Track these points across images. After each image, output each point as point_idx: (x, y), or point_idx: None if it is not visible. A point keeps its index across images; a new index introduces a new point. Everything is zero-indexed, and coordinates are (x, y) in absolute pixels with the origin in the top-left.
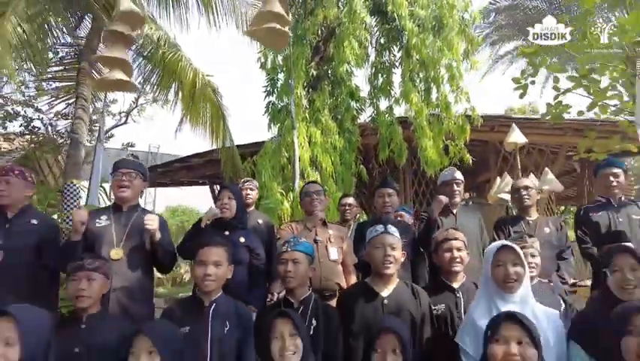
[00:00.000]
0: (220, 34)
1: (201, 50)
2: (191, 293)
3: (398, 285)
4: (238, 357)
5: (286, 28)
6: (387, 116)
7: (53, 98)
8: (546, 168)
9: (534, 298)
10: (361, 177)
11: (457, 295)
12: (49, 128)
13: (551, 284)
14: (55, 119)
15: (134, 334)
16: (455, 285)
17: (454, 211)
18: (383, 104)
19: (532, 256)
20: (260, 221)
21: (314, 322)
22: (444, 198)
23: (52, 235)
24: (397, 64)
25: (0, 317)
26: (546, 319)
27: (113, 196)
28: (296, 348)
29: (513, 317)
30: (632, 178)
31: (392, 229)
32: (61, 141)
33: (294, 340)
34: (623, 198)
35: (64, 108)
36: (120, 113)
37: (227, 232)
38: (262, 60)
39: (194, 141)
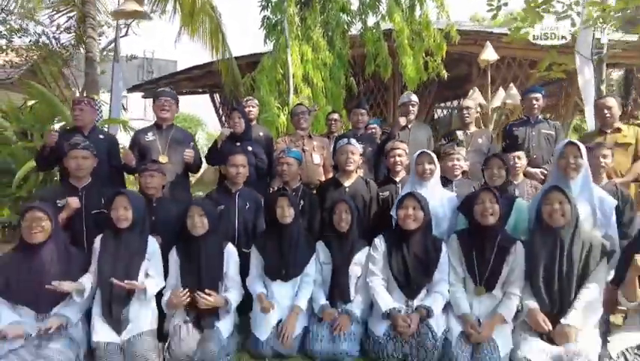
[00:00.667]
0: None
1: None
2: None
3: (356, 179)
4: (254, 224)
5: None
6: (374, 31)
7: (54, 12)
8: (511, 84)
9: (454, 188)
10: (351, 90)
11: (398, 186)
12: (54, 41)
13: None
14: (57, 32)
15: (189, 205)
16: (397, 179)
17: (409, 126)
18: (371, 20)
19: (457, 160)
20: (261, 133)
21: (302, 202)
22: (402, 121)
23: (114, 145)
24: None
25: (118, 195)
26: (447, 200)
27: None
28: (290, 214)
29: (411, 194)
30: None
31: (352, 141)
32: (66, 54)
33: (289, 209)
34: (539, 117)
35: (66, 22)
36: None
37: (238, 143)
38: None
39: (193, 51)
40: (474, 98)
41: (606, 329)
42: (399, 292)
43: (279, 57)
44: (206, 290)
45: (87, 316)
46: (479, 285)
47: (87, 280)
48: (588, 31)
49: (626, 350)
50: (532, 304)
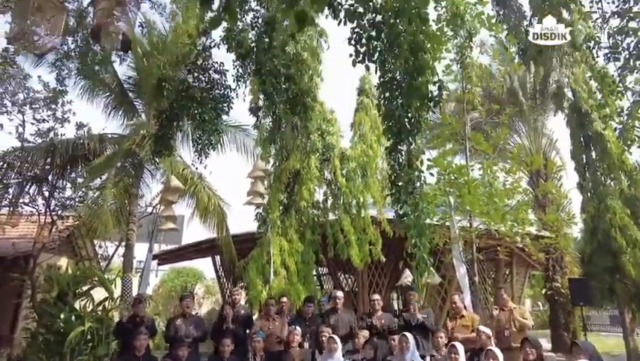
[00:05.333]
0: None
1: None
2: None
3: (301, 351)
4: None
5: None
6: (333, 226)
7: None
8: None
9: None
10: (321, 263)
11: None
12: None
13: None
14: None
15: None
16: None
17: (338, 312)
18: (332, 216)
19: (359, 338)
20: (242, 312)
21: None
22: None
23: (152, 326)
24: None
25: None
26: None
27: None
28: None
29: None
30: None
31: (298, 329)
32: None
33: None
34: (416, 305)
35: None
36: (146, 205)
37: (224, 326)
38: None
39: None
40: (406, 276)
41: None
42: None
43: (264, 248)
44: None
45: None
46: None
47: None
48: (457, 245)
49: None
50: None
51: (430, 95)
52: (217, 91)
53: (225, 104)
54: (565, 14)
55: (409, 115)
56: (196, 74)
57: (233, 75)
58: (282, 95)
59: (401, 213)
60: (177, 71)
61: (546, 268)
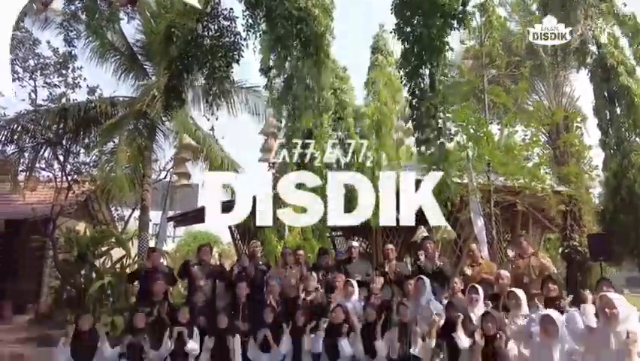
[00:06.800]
0: None
1: None
2: None
3: (314, 294)
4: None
5: None
6: None
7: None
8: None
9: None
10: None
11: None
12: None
13: None
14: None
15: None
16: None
17: (354, 261)
18: None
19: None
20: (261, 262)
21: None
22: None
23: (169, 275)
24: None
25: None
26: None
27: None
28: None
29: (338, 304)
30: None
31: (312, 273)
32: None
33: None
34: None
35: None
36: (160, 170)
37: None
38: None
39: None
40: (421, 232)
41: None
42: None
43: None
44: None
45: None
46: None
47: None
48: (475, 197)
49: None
50: None
51: (453, 13)
52: (227, 39)
53: (235, 52)
54: None
55: (432, 35)
56: (205, 23)
57: (243, 25)
58: (294, 38)
59: (423, 139)
60: (186, 20)
61: (563, 229)
